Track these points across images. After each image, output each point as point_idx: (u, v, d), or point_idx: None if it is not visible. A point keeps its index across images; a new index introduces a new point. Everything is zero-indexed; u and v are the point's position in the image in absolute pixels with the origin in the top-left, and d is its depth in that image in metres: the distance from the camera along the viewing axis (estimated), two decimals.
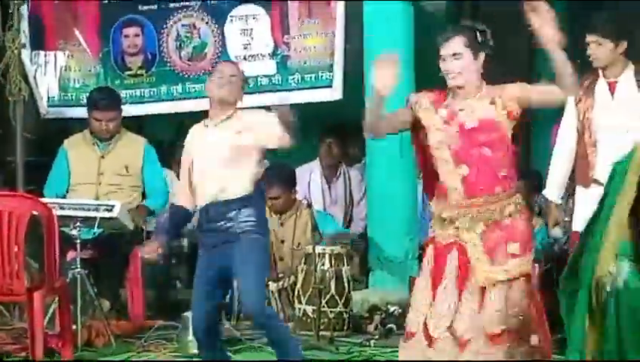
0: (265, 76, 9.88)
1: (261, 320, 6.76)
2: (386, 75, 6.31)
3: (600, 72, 7.57)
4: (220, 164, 6.85)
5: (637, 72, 7.58)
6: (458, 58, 6.30)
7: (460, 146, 6.26)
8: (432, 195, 6.56)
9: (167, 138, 9.97)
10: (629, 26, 7.98)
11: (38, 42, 10.28)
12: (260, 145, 6.92)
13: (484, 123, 6.26)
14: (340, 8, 9.65)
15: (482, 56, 6.36)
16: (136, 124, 9.91)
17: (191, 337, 8.09)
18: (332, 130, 10.30)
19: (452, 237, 6.25)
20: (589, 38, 7.41)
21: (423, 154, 6.49)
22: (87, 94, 9.63)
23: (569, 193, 8.44)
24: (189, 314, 7.64)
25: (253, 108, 8.64)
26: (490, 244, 6.23)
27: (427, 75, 7.47)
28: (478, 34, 6.37)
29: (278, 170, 9.21)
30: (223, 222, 6.72)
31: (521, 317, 6.31)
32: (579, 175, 7.64)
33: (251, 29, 9.99)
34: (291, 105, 9.05)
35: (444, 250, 6.27)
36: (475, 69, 6.35)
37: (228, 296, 8.09)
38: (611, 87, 7.50)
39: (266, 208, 8.64)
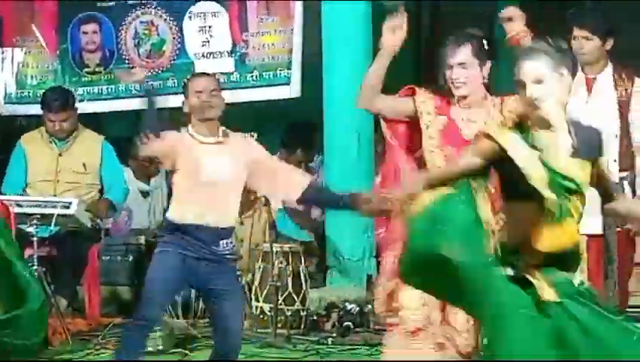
0: (223, 74, 9.58)
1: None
2: (396, 34, 6.17)
3: (580, 66, 7.13)
4: (221, 189, 6.45)
5: (616, 71, 7.30)
6: (465, 67, 6.12)
7: (455, 155, 6.04)
8: None
9: (125, 135, 9.52)
10: (617, 25, 7.63)
11: None
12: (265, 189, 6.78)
13: None
14: (298, 6, 9.51)
15: (488, 65, 6.20)
16: (95, 121, 9.78)
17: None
18: (289, 130, 10.12)
19: None
20: (578, 32, 7.11)
21: (399, 151, 6.29)
22: (43, 93, 9.45)
23: None
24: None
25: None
26: None
27: (388, 73, 6.81)
28: (484, 43, 6.21)
29: None
30: (213, 247, 6.35)
31: None
32: None
33: (210, 26, 9.83)
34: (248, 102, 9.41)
35: None
36: (480, 79, 6.17)
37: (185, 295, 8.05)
38: (588, 83, 7.19)
39: None
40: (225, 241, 6.39)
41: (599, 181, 5.37)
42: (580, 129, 5.21)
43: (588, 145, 5.14)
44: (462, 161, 5.35)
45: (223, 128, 6.57)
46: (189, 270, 6.37)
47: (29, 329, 6.36)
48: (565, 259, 5.09)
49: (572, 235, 5.11)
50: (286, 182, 6.57)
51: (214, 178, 6.35)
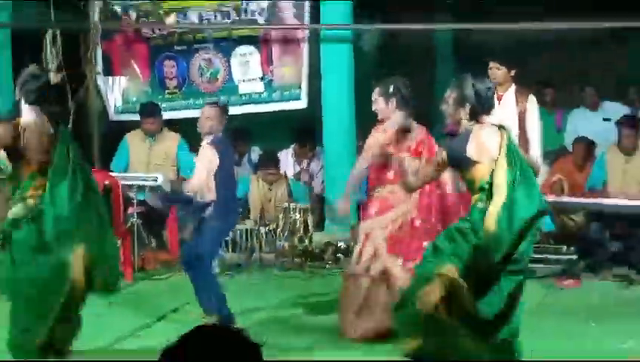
0: (256, 93, 10.23)
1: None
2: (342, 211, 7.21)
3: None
4: None
5: (517, 90, 7.54)
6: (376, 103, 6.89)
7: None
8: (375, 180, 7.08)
9: (193, 134, 8.91)
10: (520, 57, 8.37)
11: (108, 71, 10.50)
12: None
13: None
14: (305, 49, 10.06)
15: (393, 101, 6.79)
16: (173, 124, 9.99)
17: None
18: (299, 129, 10.53)
19: None
20: (492, 64, 7.50)
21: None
22: (139, 106, 10.01)
23: None
24: None
25: (249, 114, 9.91)
26: None
27: (364, 95, 8.17)
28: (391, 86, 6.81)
29: (269, 156, 9.92)
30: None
31: None
32: None
33: (247, 62, 10.22)
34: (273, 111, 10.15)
35: None
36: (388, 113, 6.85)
37: None
38: (499, 98, 7.36)
39: (260, 180, 9.68)
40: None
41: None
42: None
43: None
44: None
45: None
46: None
47: (108, 270, 6.41)
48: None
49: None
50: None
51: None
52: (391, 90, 6.85)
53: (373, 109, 6.93)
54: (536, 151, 7.09)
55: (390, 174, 6.91)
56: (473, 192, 5.61)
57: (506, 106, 7.42)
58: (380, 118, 6.94)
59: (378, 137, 6.90)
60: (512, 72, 7.55)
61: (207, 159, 7.10)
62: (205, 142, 7.17)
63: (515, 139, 6.11)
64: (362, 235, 7.01)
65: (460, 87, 5.72)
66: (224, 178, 7.18)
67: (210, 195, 7.10)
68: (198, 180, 7.13)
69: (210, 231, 7.18)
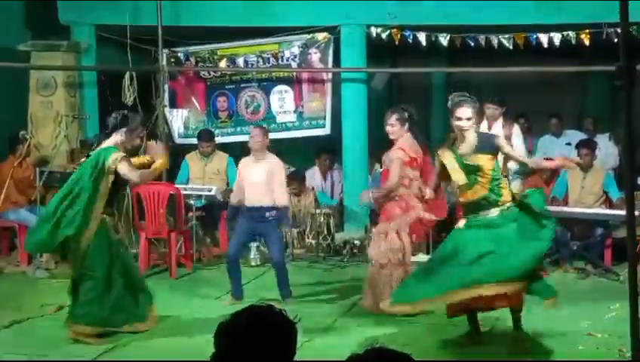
0: (290, 122, 10.27)
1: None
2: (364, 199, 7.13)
3: (486, 118, 7.89)
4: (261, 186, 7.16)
5: (504, 120, 7.84)
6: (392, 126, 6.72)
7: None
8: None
9: (238, 154, 9.01)
10: (499, 92, 8.52)
11: (173, 104, 10.55)
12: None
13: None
14: (329, 87, 10.11)
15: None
16: (224, 146, 10.01)
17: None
18: (324, 150, 10.36)
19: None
20: (488, 105, 7.78)
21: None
22: (197, 133, 10.01)
23: None
24: None
25: (284, 140, 9.84)
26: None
27: (375, 123, 8.45)
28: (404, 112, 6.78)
29: (292, 175, 9.54)
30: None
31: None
32: None
33: (284, 97, 10.25)
34: (303, 137, 10.10)
35: None
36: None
37: None
38: (490, 126, 7.80)
39: (289, 193, 9.10)
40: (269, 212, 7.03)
41: (510, 158, 6.24)
42: (482, 137, 5.92)
43: (489, 145, 5.82)
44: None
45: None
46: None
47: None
48: (479, 206, 5.73)
49: (479, 193, 5.70)
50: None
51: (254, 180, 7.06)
52: (405, 115, 6.81)
53: (387, 130, 6.80)
54: (524, 158, 6.82)
55: (406, 181, 6.79)
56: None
57: (495, 130, 7.64)
58: (392, 138, 6.85)
59: (401, 154, 6.78)
60: (503, 109, 7.88)
61: (280, 167, 7.20)
62: (268, 155, 7.19)
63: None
64: (390, 230, 6.78)
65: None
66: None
67: (282, 200, 7.10)
68: (280, 186, 7.16)
69: (275, 232, 7.15)
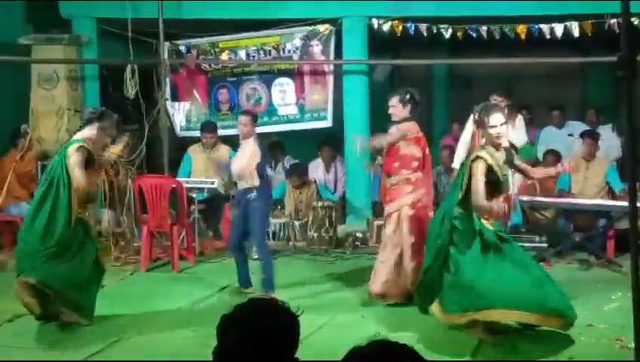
0: (291, 114, 10.27)
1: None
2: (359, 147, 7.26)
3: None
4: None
5: (508, 112, 7.07)
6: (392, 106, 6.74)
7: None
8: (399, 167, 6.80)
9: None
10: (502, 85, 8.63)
11: (175, 97, 10.53)
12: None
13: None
14: (330, 79, 10.10)
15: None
16: (225, 139, 9.80)
17: None
18: (326, 142, 10.37)
19: None
20: (495, 97, 7.68)
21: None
22: (200, 124, 9.97)
23: None
24: None
25: (286, 131, 9.81)
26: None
27: (376, 115, 8.55)
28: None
29: (298, 166, 9.83)
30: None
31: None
32: None
33: (285, 90, 10.26)
34: (305, 129, 10.10)
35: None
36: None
37: None
38: None
39: (291, 186, 9.46)
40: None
41: (518, 170, 6.23)
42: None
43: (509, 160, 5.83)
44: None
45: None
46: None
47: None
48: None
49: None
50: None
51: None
52: (407, 97, 6.80)
53: (390, 112, 6.82)
54: (532, 171, 6.60)
55: (414, 163, 6.81)
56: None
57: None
58: (394, 119, 6.88)
59: (404, 128, 6.75)
60: (509, 101, 7.78)
61: (252, 151, 7.07)
62: (249, 140, 7.16)
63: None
64: (396, 212, 6.76)
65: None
66: (262, 168, 7.19)
67: (255, 181, 7.04)
68: (241, 165, 7.13)
69: (257, 211, 7.10)
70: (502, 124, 5.59)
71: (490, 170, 5.55)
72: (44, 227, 6.09)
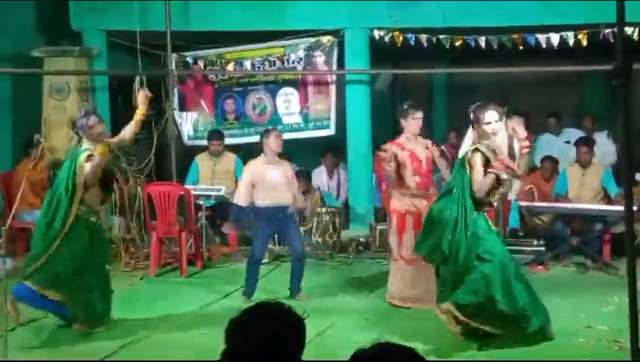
0: (296, 123, 10.29)
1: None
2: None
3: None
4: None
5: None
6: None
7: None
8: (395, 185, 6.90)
9: (246, 155, 9.17)
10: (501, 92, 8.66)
11: (182, 107, 10.51)
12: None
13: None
14: (333, 89, 10.12)
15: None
16: (232, 147, 9.97)
17: None
18: (329, 150, 10.37)
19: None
20: (492, 105, 6.91)
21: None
22: (207, 133, 10.04)
23: None
24: None
25: (291, 140, 9.63)
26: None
27: (378, 124, 8.73)
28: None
29: (303, 173, 9.57)
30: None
31: None
32: None
33: (290, 99, 10.28)
34: (309, 137, 10.04)
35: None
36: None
37: None
38: None
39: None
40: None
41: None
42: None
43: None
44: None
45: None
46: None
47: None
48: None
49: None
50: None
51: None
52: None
53: (419, 126, 6.92)
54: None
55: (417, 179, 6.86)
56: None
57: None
58: (412, 132, 6.93)
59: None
60: (505, 108, 7.39)
61: (292, 173, 7.34)
62: (282, 160, 7.32)
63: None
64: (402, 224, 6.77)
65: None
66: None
67: (301, 199, 7.40)
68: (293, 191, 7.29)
69: (297, 224, 7.33)
70: (497, 121, 5.56)
71: (487, 164, 5.55)
72: (46, 225, 6.14)
